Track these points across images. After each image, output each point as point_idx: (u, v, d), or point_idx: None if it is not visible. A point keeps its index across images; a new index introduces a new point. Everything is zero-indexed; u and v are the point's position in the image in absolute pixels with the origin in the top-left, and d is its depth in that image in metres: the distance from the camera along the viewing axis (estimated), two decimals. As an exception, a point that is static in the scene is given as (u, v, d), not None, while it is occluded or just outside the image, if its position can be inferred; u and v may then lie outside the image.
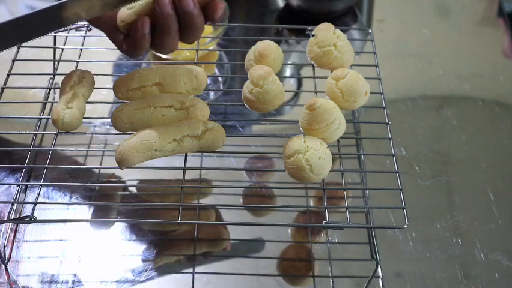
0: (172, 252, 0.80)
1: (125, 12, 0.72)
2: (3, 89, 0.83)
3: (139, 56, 0.76)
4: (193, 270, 0.78)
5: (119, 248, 0.80)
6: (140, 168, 0.87)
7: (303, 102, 0.78)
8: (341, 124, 0.77)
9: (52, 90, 0.92)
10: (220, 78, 1.03)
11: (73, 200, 0.85)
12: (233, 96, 0.99)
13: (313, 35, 0.87)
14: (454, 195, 0.88)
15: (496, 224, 0.84)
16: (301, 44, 1.08)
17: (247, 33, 1.10)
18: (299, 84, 1.03)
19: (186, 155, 0.77)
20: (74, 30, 0.92)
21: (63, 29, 0.92)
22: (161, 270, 0.78)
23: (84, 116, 0.79)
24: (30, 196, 0.84)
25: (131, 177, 0.88)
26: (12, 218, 0.78)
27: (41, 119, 0.86)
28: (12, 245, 0.79)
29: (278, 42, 0.88)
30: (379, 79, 0.86)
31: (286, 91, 0.83)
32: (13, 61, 0.87)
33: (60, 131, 0.78)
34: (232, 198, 0.87)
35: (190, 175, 0.87)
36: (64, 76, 0.82)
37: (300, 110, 0.78)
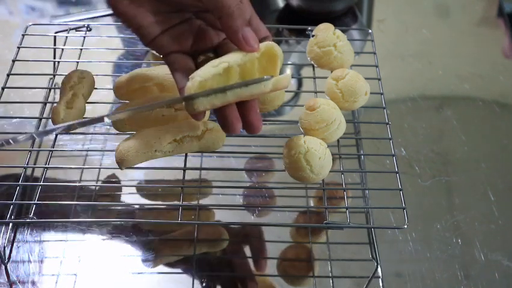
0: (172, 252, 0.80)
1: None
2: (3, 89, 0.83)
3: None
4: (193, 270, 0.78)
5: (119, 248, 0.80)
6: (140, 168, 0.87)
7: (303, 103, 0.78)
8: (341, 124, 0.77)
9: (52, 90, 0.92)
10: (220, 78, 1.02)
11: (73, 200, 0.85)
12: (233, 96, 0.99)
13: (313, 35, 0.87)
14: (454, 195, 0.88)
15: (496, 224, 0.84)
16: (301, 44, 1.07)
17: (247, 33, 1.09)
18: (299, 84, 1.03)
19: (186, 155, 0.77)
20: (74, 30, 0.92)
21: (63, 29, 0.92)
22: (161, 270, 0.78)
23: (84, 116, 0.79)
24: (30, 196, 0.84)
25: (131, 177, 0.88)
26: (12, 218, 0.78)
27: (41, 119, 0.86)
28: (12, 245, 0.79)
29: (278, 43, 0.88)
30: (379, 79, 0.86)
31: (286, 91, 0.83)
32: (13, 61, 0.86)
33: (60, 131, 0.78)
34: (232, 198, 0.87)
35: (190, 175, 0.87)
36: (64, 76, 0.82)
37: (300, 110, 0.78)
